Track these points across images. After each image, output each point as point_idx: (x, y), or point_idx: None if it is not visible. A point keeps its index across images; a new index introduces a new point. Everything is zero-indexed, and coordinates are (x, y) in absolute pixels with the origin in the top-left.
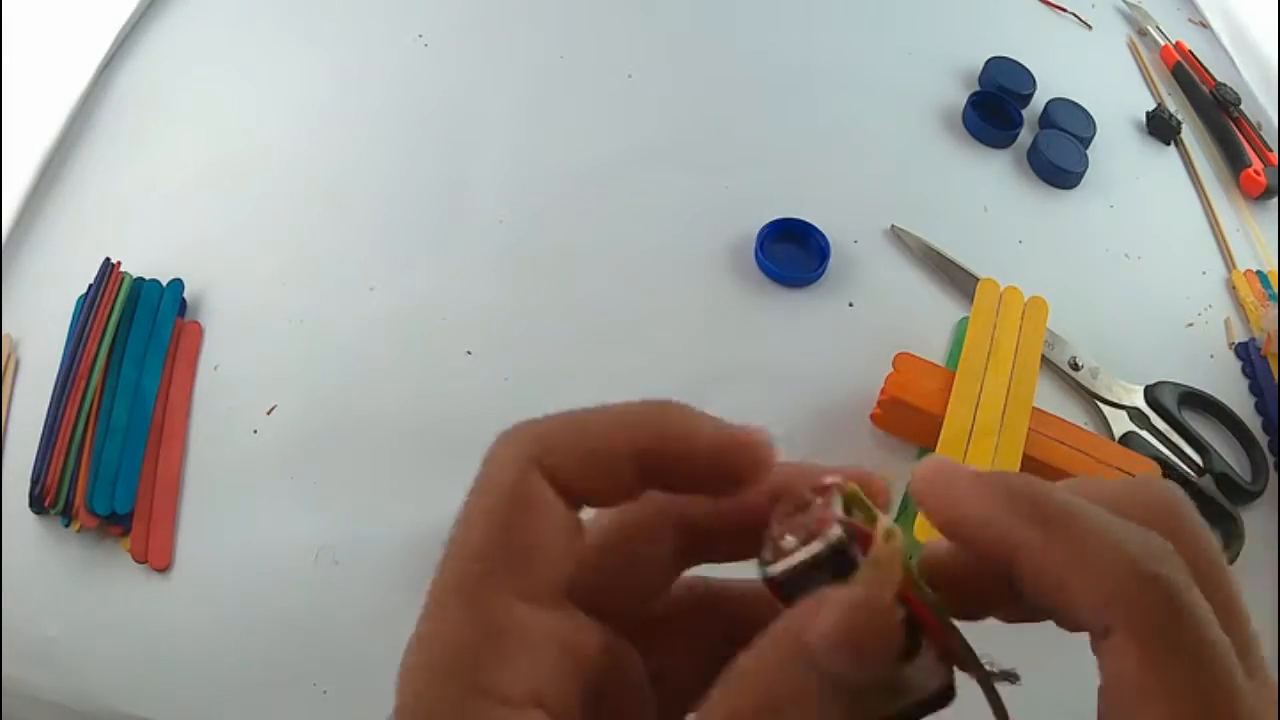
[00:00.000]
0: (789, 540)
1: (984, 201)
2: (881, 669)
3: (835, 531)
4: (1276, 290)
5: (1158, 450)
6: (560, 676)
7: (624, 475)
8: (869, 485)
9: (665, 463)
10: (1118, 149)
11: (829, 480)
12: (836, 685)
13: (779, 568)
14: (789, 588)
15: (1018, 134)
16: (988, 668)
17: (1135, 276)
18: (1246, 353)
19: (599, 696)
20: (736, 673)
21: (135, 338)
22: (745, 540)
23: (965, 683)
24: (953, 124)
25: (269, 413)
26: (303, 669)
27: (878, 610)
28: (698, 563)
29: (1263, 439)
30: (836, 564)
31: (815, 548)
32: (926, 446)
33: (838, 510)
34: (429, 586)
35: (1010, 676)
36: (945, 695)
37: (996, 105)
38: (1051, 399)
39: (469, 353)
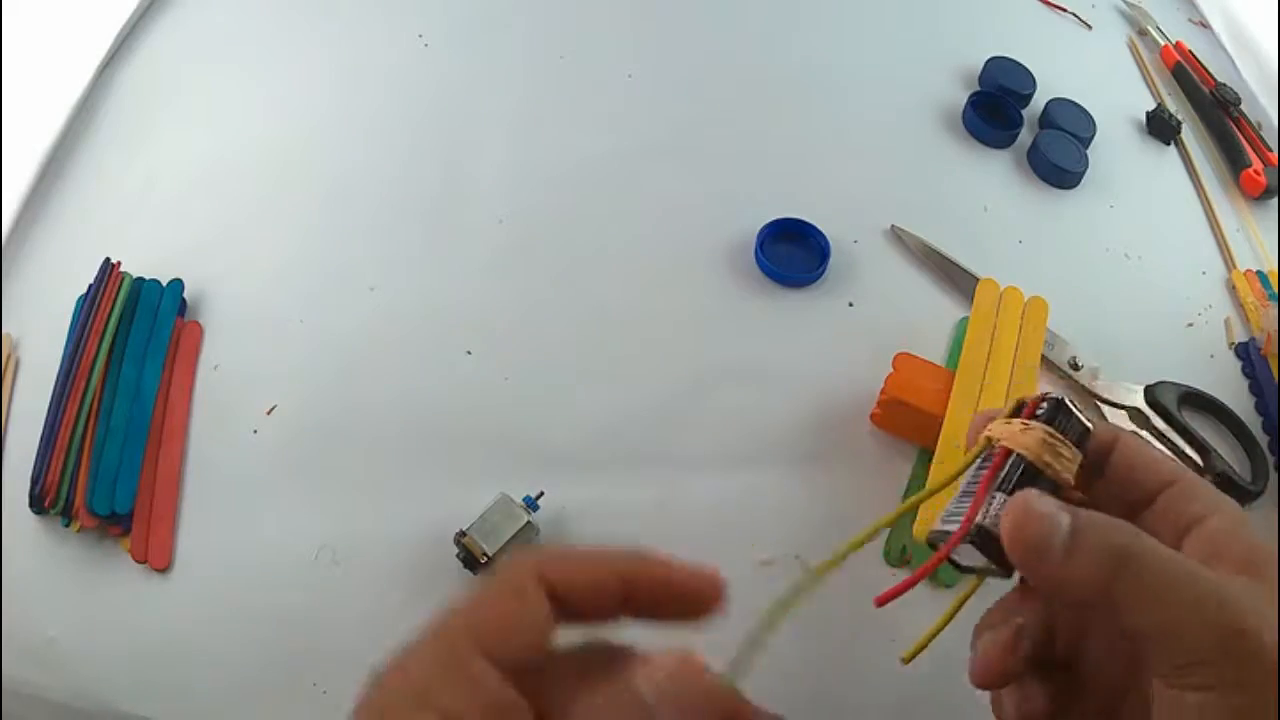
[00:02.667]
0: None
1: (984, 201)
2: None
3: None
4: (1276, 290)
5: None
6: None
7: (608, 600)
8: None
9: (644, 590)
10: (1118, 149)
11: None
12: None
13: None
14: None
15: (1018, 134)
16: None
17: (1135, 276)
18: (1246, 353)
19: None
20: None
21: (135, 338)
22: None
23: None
24: (953, 124)
25: (269, 413)
26: (303, 669)
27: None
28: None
29: (1263, 439)
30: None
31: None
32: (926, 447)
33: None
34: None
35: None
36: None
37: (996, 105)
38: None
39: (469, 353)
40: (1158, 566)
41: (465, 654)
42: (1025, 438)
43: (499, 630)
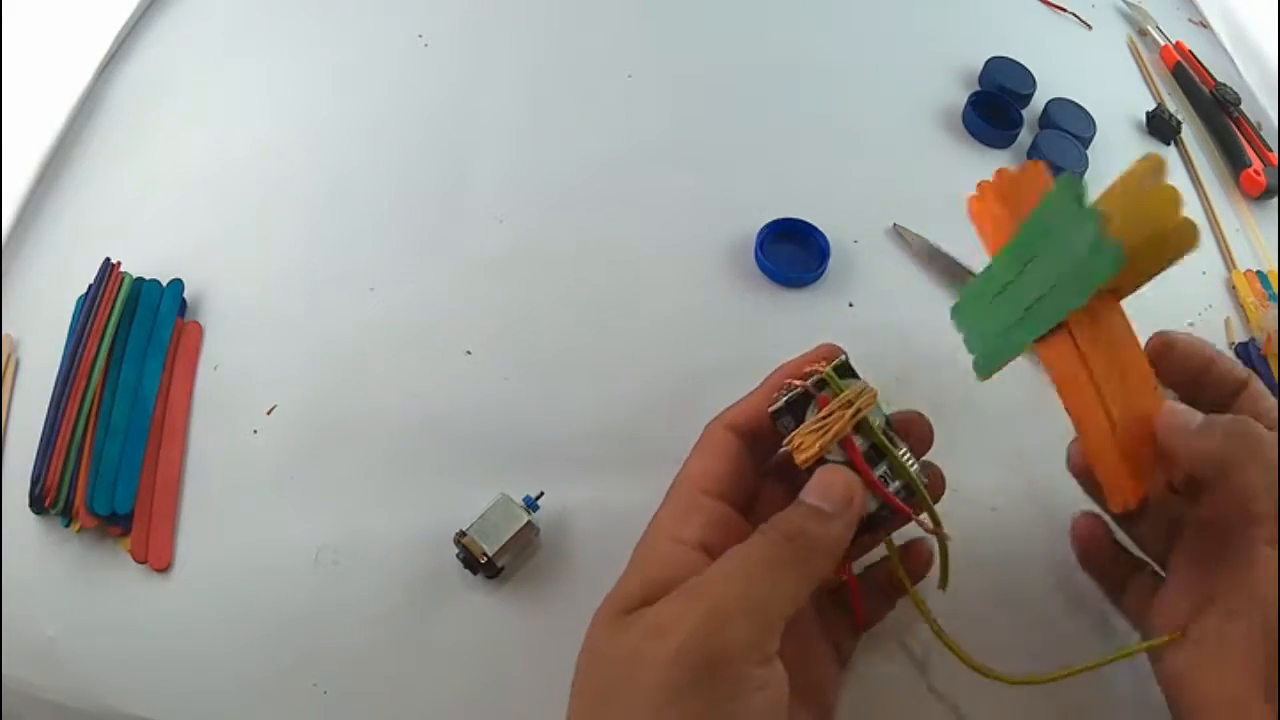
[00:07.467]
0: (781, 392)
1: None
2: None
3: (796, 387)
4: (1276, 290)
5: None
6: (717, 533)
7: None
8: (831, 352)
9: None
10: (1118, 149)
11: (810, 368)
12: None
13: (771, 406)
14: (780, 424)
15: (1018, 134)
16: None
17: None
18: (1246, 353)
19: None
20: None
21: (135, 338)
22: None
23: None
24: (953, 124)
25: (269, 413)
26: (303, 669)
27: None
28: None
29: None
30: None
31: (786, 394)
32: None
33: (811, 382)
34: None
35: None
36: (876, 519)
37: (996, 105)
38: None
39: (469, 353)
40: (1269, 442)
41: (689, 495)
42: (828, 437)
43: (705, 473)
